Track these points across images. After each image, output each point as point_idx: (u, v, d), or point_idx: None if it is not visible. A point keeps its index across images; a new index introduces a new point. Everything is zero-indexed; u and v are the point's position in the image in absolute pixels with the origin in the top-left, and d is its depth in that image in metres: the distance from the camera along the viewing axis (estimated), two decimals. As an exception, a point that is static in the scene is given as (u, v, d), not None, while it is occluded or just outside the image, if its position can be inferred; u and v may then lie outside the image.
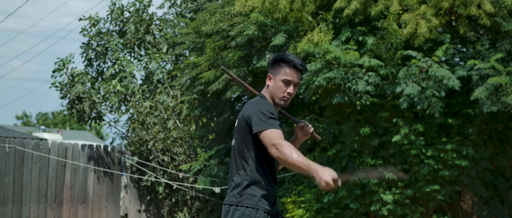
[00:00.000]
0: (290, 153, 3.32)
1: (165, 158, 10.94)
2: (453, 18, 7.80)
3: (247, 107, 3.56)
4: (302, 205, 8.12)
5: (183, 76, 9.20)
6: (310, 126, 3.83)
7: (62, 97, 11.18)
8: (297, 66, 3.58)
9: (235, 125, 3.63)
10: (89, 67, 11.65)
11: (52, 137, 26.85)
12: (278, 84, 3.59)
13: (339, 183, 3.28)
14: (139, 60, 11.66)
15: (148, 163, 11.04)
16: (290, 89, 3.58)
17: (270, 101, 3.61)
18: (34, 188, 10.13)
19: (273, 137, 3.38)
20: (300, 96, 7.69)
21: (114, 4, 11.74)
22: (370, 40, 7.53)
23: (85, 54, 11.64)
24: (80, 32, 11.60)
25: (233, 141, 3.63)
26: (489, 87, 7.00)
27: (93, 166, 10.84)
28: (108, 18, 11.75)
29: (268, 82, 3.65)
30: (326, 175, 3.22)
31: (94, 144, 11.55)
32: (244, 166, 3.52)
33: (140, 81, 11.60)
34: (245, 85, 3.87)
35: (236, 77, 3.83)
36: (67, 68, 11.09)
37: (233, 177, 3.56)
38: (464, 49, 7.90)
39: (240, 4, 7.96)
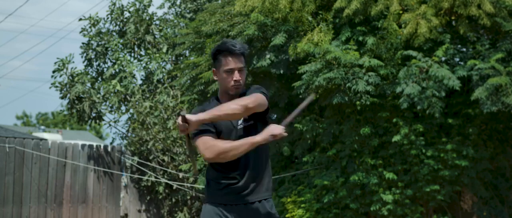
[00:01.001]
0: (223, 146, 3.43)
1: (165, 158, 10.94)
2: (453, 18, 7.80)
3: None
4: (302, 205, 8.12)
5: (183, 76, 9.21)
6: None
7: (62, 97, 11.19)
8: (233, 51, 3.54)
9: None
10: (89, 67, 11.66)
11: (52, 137, 26.86)
12: (223, 77, 3.57)
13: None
14: (139, 60, 11.67)
15: (148, 163, 11.04)
16: (236, 76, 3.55)
17: (223, 96, 3.62)
18: (34, 188, 10.13)
19: (200, 145, 3.48)
20: (300, 96, 7.69)
21: (114, 4, 11.74)
22: (370, 40, 7.53)
23: (85, 54, 11.64)
24: (80, 32, 11.61)
25: None
26: (489, 87, 7.00)
27: (93, 166, 10.84)
28: (108, 18, 11.76)
29: (215, 78, 3.64)
30: (277, 128, 3.43)
31: (94, 144, 11.56)
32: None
33: (140, 81, 11.61)
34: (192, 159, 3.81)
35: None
36: (67, 68, 11.10)
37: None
38: (464, 49, 7.90)
39: (240, 4, 7.96)
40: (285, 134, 3.46)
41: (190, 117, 3.31)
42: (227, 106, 3.39)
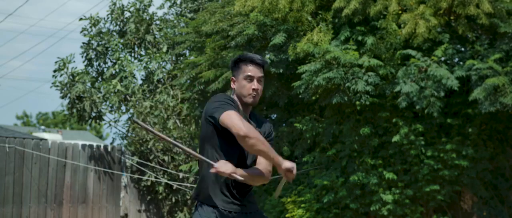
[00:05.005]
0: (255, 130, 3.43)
1: (165, 158, 10.94)
2: (452, 18, 7.80)
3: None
4: (302, 205, 8.12)
5: (183, 76, 9.21)
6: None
7: (62, 97, 11.20)
8: (256, 61, 3.59)
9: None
10: (89, 67, 11.66)
11: (52, 137, 26.87)
12: (242, 83, 3.58)
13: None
14: (139, 60, 11.67)
15: (148, 163, 11.04)
16: (255, 84, 3.57)
17: (239, 104, 3.60)
18: (34, 188, 10.13)
19: (234, 119, 3.43)
20: (300, 96, 7.69)
21: (115, 4, 11.75)
22: (370, 40, 7.53)
23: (85, 54, 11.65)
24: (81, 32, 11.62)
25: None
26: (488, 87, 7.00)
27: (93, 166, 10.84)
28: (108, 18, 11.76)
29: (232, 86, 3.64)
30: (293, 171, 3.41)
31: (94, 144, 11.56)
32: None
33: (140, 81, 11.61)
34: (158, 135, 3.74)
35: (148, 128, 3.62)
36: (67, 68, 11.11)
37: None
38: (463, 49, 7.90)
39: (240, 4, 7.96)
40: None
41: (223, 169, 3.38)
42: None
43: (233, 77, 3.65)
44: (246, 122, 3.40)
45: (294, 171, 3.39)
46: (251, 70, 3.58)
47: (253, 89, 3.56)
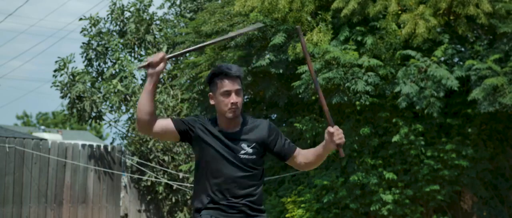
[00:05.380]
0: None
1: (166, 158, 10.94)
2: (451, 18, 7.80)
3: None
4: (302, 205, 8.12)
5: (183, 76, 9.21)
6: (340, 134, 3.44)
7: (62, 97, 11.20)
8: (229, 73, 3.46)
9: None
10: (89, 67, 11.67)
11: (52, 137, 26.88)
12: (219, 99, 3.48)
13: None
14: (140, 60, 11.67)
15: (148, 163, 11.04)
16: (233, 98, 3.45)
17: (221, 120, 3.53)
18: (34, 188, 10.13)
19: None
20: (300, 96, 7.69)
21: (115, 4, 11.75)
22: (369, 40, 7.53)
23: (85, 54, 11.65)
24: (81, 32, 11.62)
25: None
26: (487, 88, 7.00)
27: (93, 166, 10.84)
28: (108, 18, 11.77)
29: (212, 102, 3.56)
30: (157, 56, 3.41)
31: (94, 144, 11.56)
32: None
33: (140, 81, 11.62)
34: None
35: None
36: (67, 68, 11.11)
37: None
38: (463, 49, 7.90)
39: (240, 4, 7.96)
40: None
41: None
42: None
43: (210, 94, 3.55)
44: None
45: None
46: (226, 85, 3.46)
47: (232, 103, 3.45)
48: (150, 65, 3.40)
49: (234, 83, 3.47)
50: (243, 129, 3.54)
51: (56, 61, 11.14)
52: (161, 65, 3.41)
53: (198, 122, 3.53)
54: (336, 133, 3.42)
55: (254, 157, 3.49)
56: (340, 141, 3.42)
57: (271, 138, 3.54)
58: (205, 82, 3.70)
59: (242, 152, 3.47)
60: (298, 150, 3.59)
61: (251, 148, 3.50)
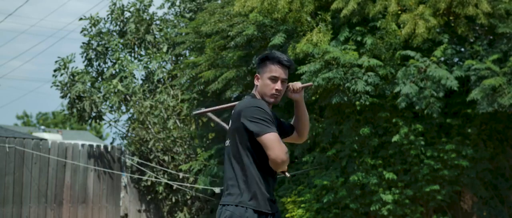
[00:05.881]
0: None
1: (166, 158, 10.94)
2: (451, 18, 7.80)
3: (241, 107, 3.52)
4: (302, 205, 8.12)
5: (183, 76, 9.22)
6: (295, 83, 3.75)
7: (62, 97, 11.20)
8: (282, 62, 3.58)
9: (229, 126, 3.58)
10: (89, 67, 11.67)
11: (52, 137, 26.88)
12: (266, 82, 3.58)
13: None
14: (140, 60, 11.68)
15: (148, 163, 11.04)
16: (278, 85, 3.57)
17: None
18: (34, 188, 10.13)
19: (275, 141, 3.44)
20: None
21: (115, 4, 11.75)
22: (369, 40, 7.53)
23: (85, 54, 11.65)
24: (81, 32, 11.62)
25: (228, 142, 3.57)
26: (486, 88, 7.00)
27: (93, 166, 10.84)
28: (108, 18, 11.76)
29: (256, 82, 3.64)
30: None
31: (94, 143, 11.56)
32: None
33: (140, 81, 11.62)
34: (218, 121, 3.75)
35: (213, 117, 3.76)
36: (67, 68, 11.11)
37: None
38: (462, 50, 7.90)
39: (240, 5, 7.96)
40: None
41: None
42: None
43: (257, 75, 3.64)
44: (283, 145, 3.42)
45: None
46: (276, 70, 3.57)
47: (276, 89, 3.57)
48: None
49: (283, 72, 3.59)
50: None
51: (56, 61, 11.14)
52: None
53: (271, 114, 3.54)
54: (293, 84, 3.70)
55: None
56: (293, 88, 3.71)
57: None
58: (256, 61, 3.75)
59: None
60: None
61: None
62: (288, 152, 3.44)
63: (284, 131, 3.77)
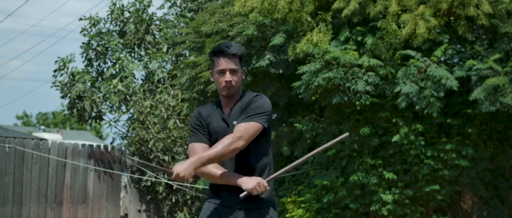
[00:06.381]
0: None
1: (166, 158, 10.94)
2: (452, 18, 7.80)
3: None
4: (302, 205, 8.12)
5: (183, 76, 9.22)
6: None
7: (62, 97, 11.21)
8: (225, 52, 3.48)
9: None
10: (89, 67, 11.67)
11: (52, 137, 26.89)
12: (216, 77, 3.52)
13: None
14: (140, 60, 11.68)
15: (149, 163, 11.04)
16: (227, 77, 3.47)
17: (221, 98, 3.58)
18: (34, 188, 10.13)
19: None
20: (300, 96, 7.69)
21: (115, 4, 11.75)
22: (370, 40, 7.53)
23: (85, 54, 11.65)
24: (81, 32, 11.63)
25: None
26: (488, 87, 7.00)
27: (93, 166, 10.84)
28: (108, 18, 11.77)
29: (212, 80, 3.62)
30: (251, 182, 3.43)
31: (94, 143, 11.56)
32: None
33: (140, 81, 11.62)
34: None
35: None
36: (67, 68, 11.12)
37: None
38: (463, 50, 7.90)
39: (240, 5, 7.96)
40: (262, 190, 3.42)
41: (178, 170, 3.25)
42: (215, 151, 3.32)
43: (210, 71, 3.61)
44: (194, 155, 3.37)
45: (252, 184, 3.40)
46: (221, 63, 3.48)
47: (226, 81, 3.48)
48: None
49: (229, 62, 3.48)
50: (235, 106, 3.54)
51: (56, 61, 11.14)
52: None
53: (198, 120, 3.56)
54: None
55: None
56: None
57: (245, 109, 3.49)
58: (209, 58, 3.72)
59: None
60: (236, 126, 3.44)
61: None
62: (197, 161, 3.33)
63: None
